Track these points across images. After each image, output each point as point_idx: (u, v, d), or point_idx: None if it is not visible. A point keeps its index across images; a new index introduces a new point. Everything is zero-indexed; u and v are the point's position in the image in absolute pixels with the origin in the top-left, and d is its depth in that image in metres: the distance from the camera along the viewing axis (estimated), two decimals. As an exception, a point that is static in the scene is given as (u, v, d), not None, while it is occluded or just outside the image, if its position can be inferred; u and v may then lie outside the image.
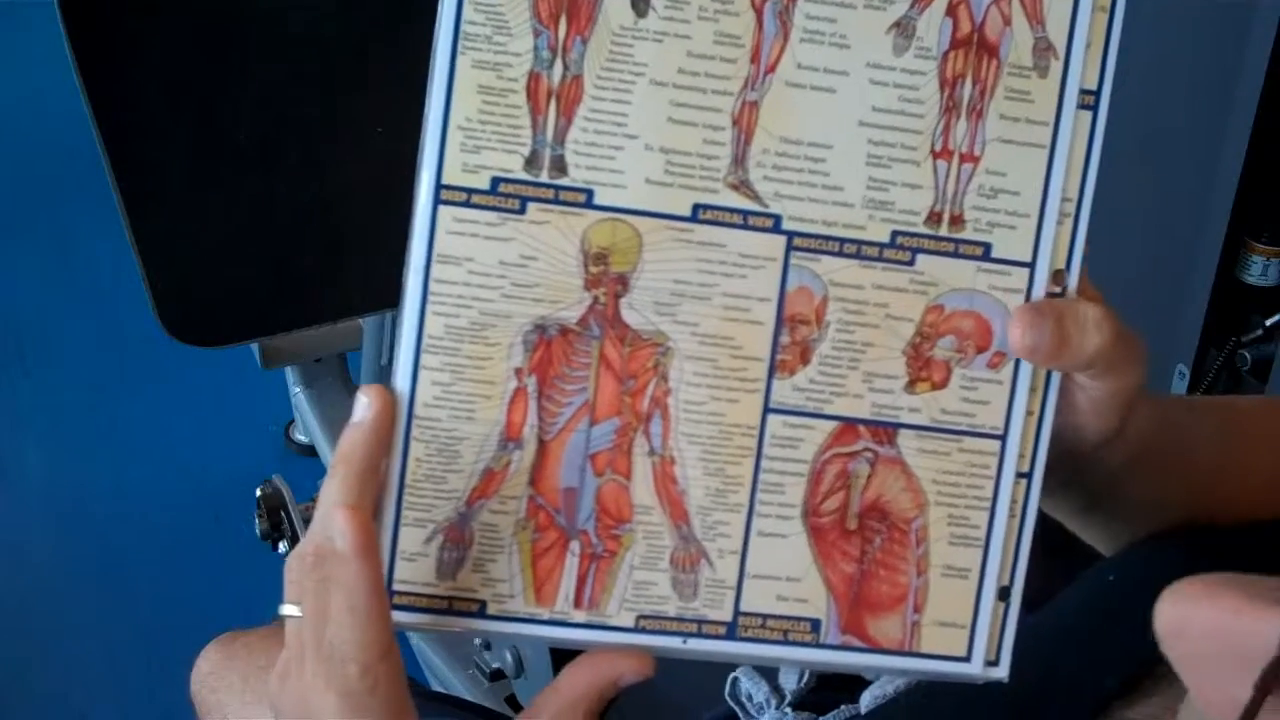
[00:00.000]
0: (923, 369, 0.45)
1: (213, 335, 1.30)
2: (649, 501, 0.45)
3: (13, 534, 1.83)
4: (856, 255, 0.45)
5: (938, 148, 0.45)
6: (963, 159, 0.45)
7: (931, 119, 0.45)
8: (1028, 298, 0.45)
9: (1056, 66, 0.45)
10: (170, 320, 1.24)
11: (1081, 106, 0.45)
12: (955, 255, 0.45)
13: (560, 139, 0.44)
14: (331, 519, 0.42)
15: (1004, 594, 0.46)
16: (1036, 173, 0.45)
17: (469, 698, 1.39)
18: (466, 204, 0.44)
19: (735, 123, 0.44)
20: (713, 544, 0.45)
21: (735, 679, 0.66)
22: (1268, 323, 1.28)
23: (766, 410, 0.45)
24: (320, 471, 1.70)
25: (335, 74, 1.23)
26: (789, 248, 0.45)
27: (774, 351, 0.45)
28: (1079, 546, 0.60)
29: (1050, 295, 0.45)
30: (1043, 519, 0.58)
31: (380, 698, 0.42)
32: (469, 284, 0.44)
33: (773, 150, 0.44)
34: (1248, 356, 1.30)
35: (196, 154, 1.21)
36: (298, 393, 1.74)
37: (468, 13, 0.43)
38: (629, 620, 0.45)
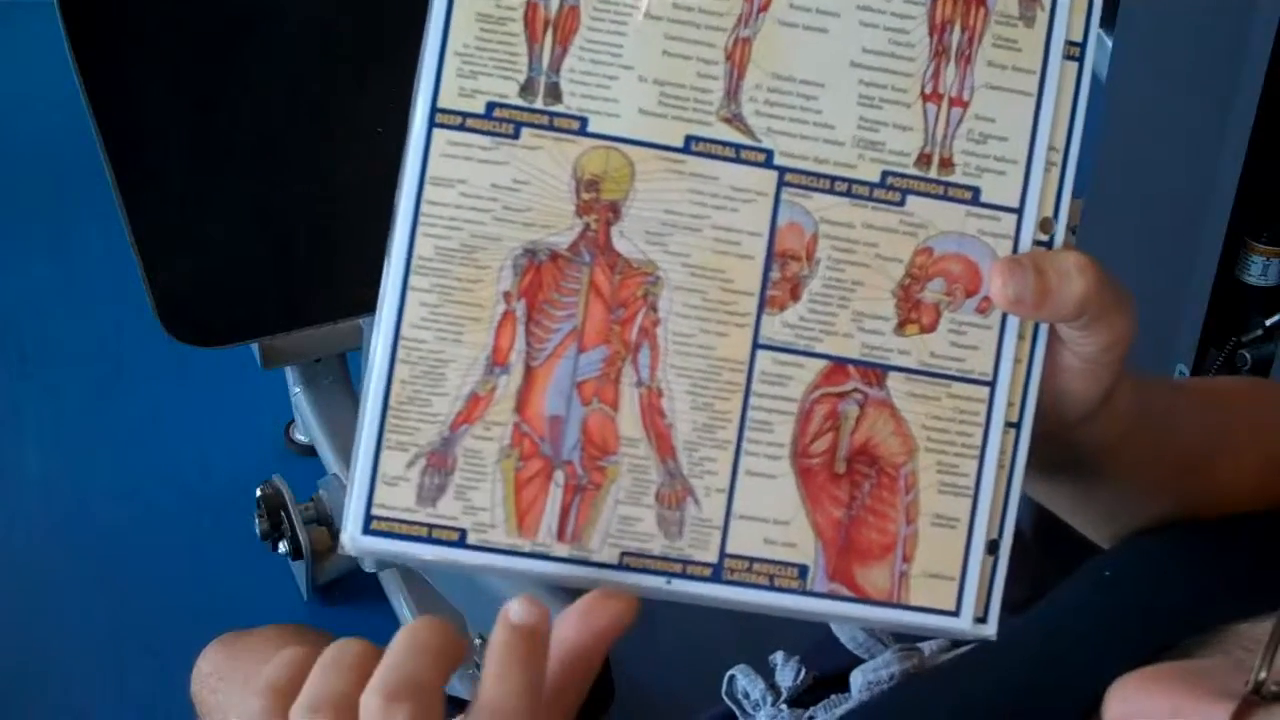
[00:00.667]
0: (912, 310, 0.45)
1: (213, 335, 1.30)
2: (635, 434, 0.45)
3: (13, 534, 1.83)
4: (847, 194, 0.45)
5: (928, 91, 0.45)
6: (952, 103, 0.45)
7: (921, 62, 0.45)
8: (1016, 244, 0.46)
9: (1043, 17, 0.45)
10: (170, 320, 1.24)
11: (1067, 58, 0.46)
12: (945, 198, 0.45)
13: (556, 67, 0.44)
14: None
15: (993, 547, 0.46)
16: (1024, 120, 0.46)
17: (469, 698, 1.39)
18: (461, 127, 0.44)
19: (728, 57, 0.45)
20: (700, 481, 0.45)
21: (732, 677, 0.66)
22: (1268, 323, 1.28)
23: (756, 345, 0.45)
24: (320, 471, 1.70)
25: (335, 74, 1.23)
26: (780, 183, 0.45)
27: (764, 286, 0.45)
28: (1071, 543, 0.60)
29: (1038, 243, 0.46)
30: (1036, 514, 0.58)
31: None
32: (460, 206, 0.44)
33: (765, 86, 0.45)
34: (1248, 356, 1.30)
35: (196, 154, 1.21)
36: (298, 393, 1.74)
37: None
38: (612, 556, 0.44)
